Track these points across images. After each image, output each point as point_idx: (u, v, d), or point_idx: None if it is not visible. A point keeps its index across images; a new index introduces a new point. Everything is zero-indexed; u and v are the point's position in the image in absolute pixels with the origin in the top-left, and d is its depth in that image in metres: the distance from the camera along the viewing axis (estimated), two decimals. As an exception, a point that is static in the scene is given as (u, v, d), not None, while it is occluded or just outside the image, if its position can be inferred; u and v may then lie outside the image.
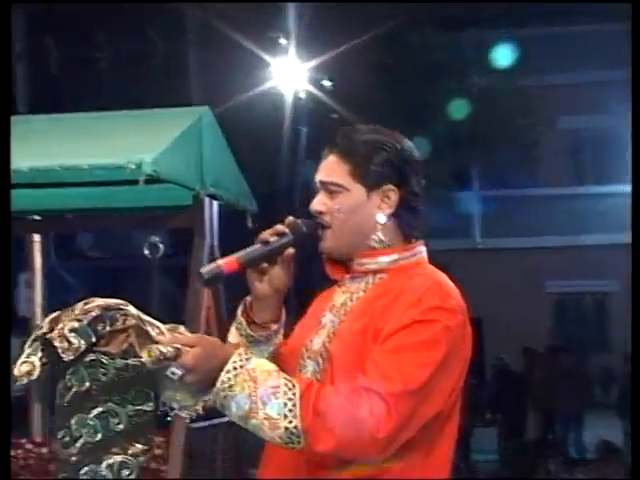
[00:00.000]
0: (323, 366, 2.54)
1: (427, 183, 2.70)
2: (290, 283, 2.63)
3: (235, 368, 2.36)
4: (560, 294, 22.08)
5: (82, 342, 2.29)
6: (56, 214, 5.74)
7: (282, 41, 12.93)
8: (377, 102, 13.19)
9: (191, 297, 5.24)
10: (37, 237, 6.22)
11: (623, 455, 11.24)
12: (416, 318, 2.44)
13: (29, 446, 5.61)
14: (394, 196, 2.60)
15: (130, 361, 2.31)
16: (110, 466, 2.34)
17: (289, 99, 13.31)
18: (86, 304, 2.36)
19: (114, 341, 2.32)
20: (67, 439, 2.34)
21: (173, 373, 2.31)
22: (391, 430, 2.35)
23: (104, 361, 2.31)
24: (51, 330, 2.33)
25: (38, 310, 6.31)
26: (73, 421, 2.33)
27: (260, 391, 2.35)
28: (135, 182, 4.70)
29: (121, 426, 2.34)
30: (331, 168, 2.63)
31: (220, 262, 2.54)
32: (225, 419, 2.97)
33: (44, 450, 5.65)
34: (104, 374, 2.31)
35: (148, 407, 2.37)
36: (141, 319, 2.37)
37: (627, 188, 19.03)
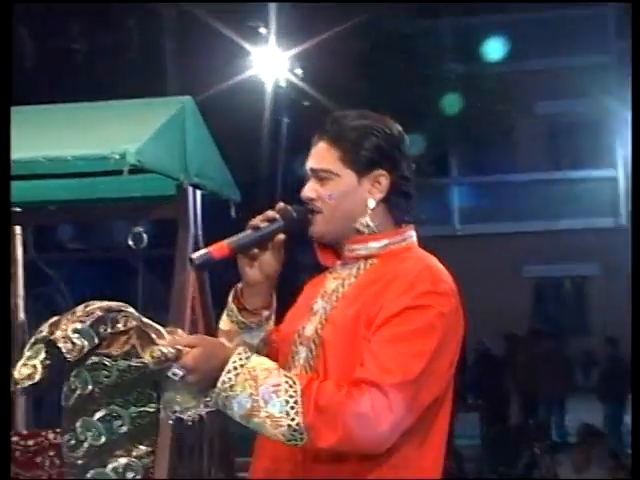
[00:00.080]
0: (316, 352, 2.54)
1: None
2: (280, 269, 2.63)
3: (235, 368, 2.37)
4: (539, 278, 22.20)
5: (85, 343, 2.30)
6: (38, 206, 5.71)
7: (262, 30, 12.90)
8: (356, 90, 13.21)
9: (176, 287, 5.24)
10: (18, 229, 6.19)
11: (605, 438, 11.33)
12: (409, 304, 2.45)
13: (15, 438, 5.59)
14: (385, 181, 2.60)
15: (132, 362, 2.31)
16: (115, 469, 2.34)
17: (269, 88, 13.30)
18: (87, 306, 2.36)
19: (116, 343, 2.32)
20: (73, 442, 2.35)
21: (174, 374, 2.32)
22: (392, 422, 2.37)
23: (106, 363, 2.31)
24: (52, 333, 2.33)
25: (20, 302, 6.29)
26: (78, 424, 2.33)
27: (261, 390, 2.36)
28: (119, 173, 4.68)
29: (124, 428, 2.34)
30: (321, 155, 2.63)
31: (211, 248, 2.55)
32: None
33: (30, 442, 5.63)
34: (107, 376, 2.32)
35: (151, 408, 2.37)
36: (141, 321, 2.37)
37: (604, 172, 19.16)
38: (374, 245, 2.62)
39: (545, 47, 19.37)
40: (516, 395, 14.78)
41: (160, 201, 5.49)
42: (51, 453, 5.56)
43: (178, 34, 14.69)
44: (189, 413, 2.39)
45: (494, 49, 17.16)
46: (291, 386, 2.37)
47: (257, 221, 2.58)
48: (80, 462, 2.34)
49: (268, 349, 2.68)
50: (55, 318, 2.37)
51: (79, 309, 2.35)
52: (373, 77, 14.67)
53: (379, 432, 2.36)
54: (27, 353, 2.33)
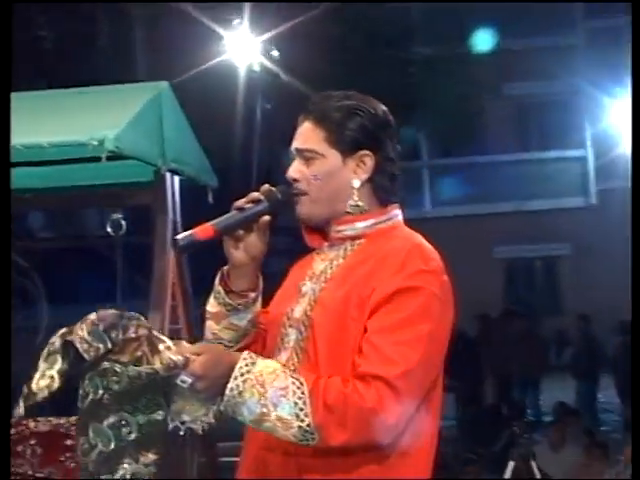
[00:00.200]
0: (306, 334, 2.55)
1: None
2: (266, 250, 2.63)
3: (242, 374, 2.39)
4: (510, 259, 22.30)
5: (100, 345, 2.32)
6: (15, 194, 5.67)
7: (235, 20, 12.83)
8: (326, 73, 13.17)
9: (156, 273, 5.23)
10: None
11: (580, 416, 11.42)
12: (401, 285, 2.46)
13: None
14: (370, 161, 2.61)
15: (142, 369, 2.32)
16: (123, 476, 2.35)
17: (242, 72, 13.25)
18: (98, 313, 2.38)
19: (127, 349, 2.34)
20: (86, 446, 2.36)
21: (183, 381, 2.34)
22: (400, 413, 2.40)
23: (117, 369, 2.32)
24: (65, 339, 2.35)
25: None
26: (90, 430, 2.35)
27: (269, 394, 2.37)
28: (96, 159, 4.66)
29: (133, 436, 2.35)
30: (306, 135, 2.63)
31: (195, 229, 2.54)
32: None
33: (11, 431, 5.60)
34: (117, 382, 2.32)
35: (159, 416, 2.38)
36: (151, 330, 2.40)
37: (573, 152, 19.18)
38: (361, 225, 2.62)
39: (512, 28, 19.38)
40: (491, 376, 14.85)
41: (137, 187, 5.48)
42: (32, 442, 5.53)
43: (148, 20, 14.61)
44: (199, 422, 2.41)
45: (462, 32, 17.17)
46: (299, 387, 2.38)
47: (242, 202, 2.58)
48: (91, 468, 2.36)
49: (256, 331, 2.69)
50: (64, 329, 2.38)
51: (91, 316, 2.37)
52: (341, 60, 14.66)
53: (388, 424, 2.39)
54: (42, 365, 2.35)
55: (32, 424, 5.55)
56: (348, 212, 2.62)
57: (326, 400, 2.36)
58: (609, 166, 20.42)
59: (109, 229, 5.25)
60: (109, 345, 2.33)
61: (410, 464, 2.51)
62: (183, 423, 2.41)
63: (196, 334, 5.43)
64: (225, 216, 2.58)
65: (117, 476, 2.35)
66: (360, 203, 2.61)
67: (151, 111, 5.11)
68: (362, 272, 2.54)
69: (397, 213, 2.68)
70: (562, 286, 22.40)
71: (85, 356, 2.31)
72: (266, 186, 2.62)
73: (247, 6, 12.38)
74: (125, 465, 2.36)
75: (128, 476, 2.35)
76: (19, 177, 5.52)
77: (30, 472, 5.43)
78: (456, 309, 2.59)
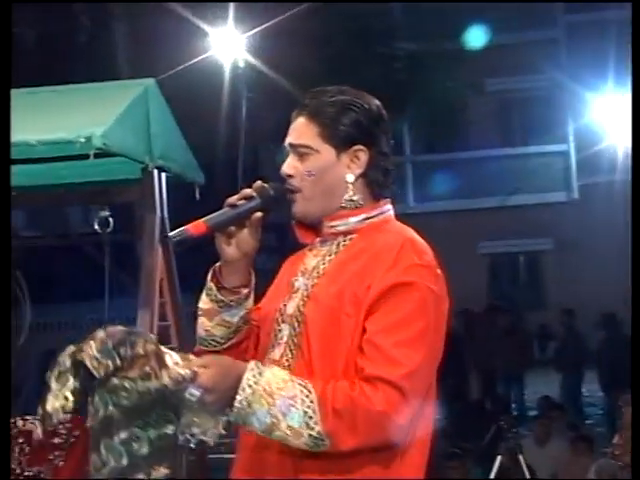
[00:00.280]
0: (299, 329, 2.55)
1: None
2: (258, 247, 2.63)
3: (250, 386, 2.39)
4: (494, 254, 22.34)
5: (110, 362, 2.33)
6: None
7: (220, 15, 12.80)
8: (310, 69, 13.18)
9: (144, 270, 5.22)
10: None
11: (565, 410, 11.46)
12: (397, 280, 2.47)
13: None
14: (364, 156, 2.61)
15: (151, 384, 2.33)
16: None
17: (226, 69, 13.22)
18: (106, 330, 2.39)
19: (135, 365, 2.34)
20: (98, 463, 2.37)
21: (192, 394, 2.35)
22: (408, 413, 2.41)
23: (126, 385, 2.33)
24: (75, 357, 2.36)
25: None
26: (102, 446, 2.36)
27: (278, 403, 2.38)
28: (84, 157, 4.65)
29: (144, 450, 2.36)
30: (300, 130, 2.63)
31: (188, 225, 2.54)
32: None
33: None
34: (127, 398, 2.33)
35: (169, 430, 2.39)
36: (158, 346, 2.41)
37: (555, 147, 19.18)
38: (353, 220, 2.62)
39: (493, 24, 19.41)
40: (475, 371, 14.88)
41: (124, 185, 5.46)
42: (20, 440, 5.51)
43: (130, 17, 14.56)
44: (209, 434, 2.41)
45: (444, 28, 17.17)
46: (307, 396, 2.39)
47: (234, 199, 2.57)
48: None
49: (248, 327, 2.68)
50: (72, 348, 2.39)
51: (99, 333, 2.38)
52: (327, 58, 14.67)
53: (397, 426, 2.41)
54: (54, 386, 2.35)
55: (20, 422, 5.53)
56: (342, 207, 2.62)
57: (335, 405, 2.37)
58: (591, 161, 20.48)
59: (96, 226, 5.23)
60: (118, 362, 2.34)
61: (407, 463, 2.52)
62: (193, 435, 2.41)
63: (185, 331, 5.44)
64: (217, 212, 2.57)
65: None
66: (355, 197, 2.61)
67: (138, 108, 5.10)
68: (355, 268, 2.54)
69: (389, 208, 2.69)
70: (545, 281, 22.47)
71: (95, 374, 2.32)
72: (258, 183, 2.62)
73: (232, 3, 12.35)
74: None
75: None
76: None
77: (18, 471, 5.42)
78: (450, 302, 2.60)
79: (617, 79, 18.62)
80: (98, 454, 2.37)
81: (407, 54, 17.15)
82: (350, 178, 2.61)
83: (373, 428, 2.38)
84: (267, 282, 2.81)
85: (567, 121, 22.06)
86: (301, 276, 2.65)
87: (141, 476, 2.36)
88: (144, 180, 5.27)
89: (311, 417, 2.37)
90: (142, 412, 2.35)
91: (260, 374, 2.41)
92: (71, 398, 2.34)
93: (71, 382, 2.34)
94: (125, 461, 2.35)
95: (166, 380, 2.33)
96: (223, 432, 2.42)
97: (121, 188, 5.48)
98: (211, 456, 5.81)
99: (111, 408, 2.34)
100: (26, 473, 5.41)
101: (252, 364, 2.44)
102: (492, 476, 7.19)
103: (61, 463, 5.32)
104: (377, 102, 2.68)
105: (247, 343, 2.69)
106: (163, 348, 2.42)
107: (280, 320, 2.62)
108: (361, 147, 2.61)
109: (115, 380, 2.33)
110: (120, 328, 2.41)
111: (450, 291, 2.61)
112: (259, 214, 2.58)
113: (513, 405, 14.26)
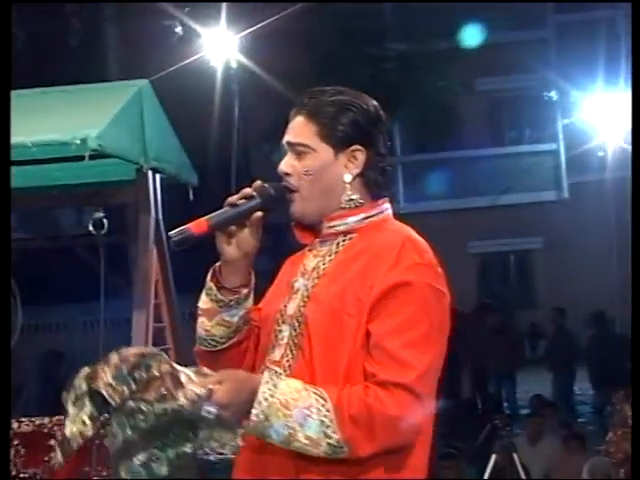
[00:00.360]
0: (300, 330, 2.55)
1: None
2: (258, 247, 2.63)
3: (266, 399, 2.40)
4: (484, 254, 22.37)
5: (125, 388, 2.33)
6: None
7: (213, 16, 12.79)
8: (302, 70, 13.19)
9: (139, 271, 5.21)
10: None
11: (557, 408, 11.49)
12: (399, 280, 2.48)
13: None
14: (361, 156, 2.62)
15: (168, 405, 2.33)
16: None
17: (219, 70, 13.21)
18: (120, 354, 2.39)
19: (151, 388, 2.34)
20: None
21: (209, 412, 2.35)
22: (423, 413, 2.44)
23: (143, 408, 2.33)
24: (91, 385, 2.36)
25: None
26: (122, 469, 2.36)
27: (295, 415, 2.39)
28: (79, 158, 4.64)
29: (164, 470, 2.36)
30: (298, 129, 2.63)
31: (189, 224, 2.53)
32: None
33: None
34: (144, 420, 2.33)
35: (188, 449, 2.39)
36: (172, 366, 2.40)
37: (545, 146, 19.22)
38: (352, 220, 2.63)
39: (484, 24, 19.44)
40: (467, 370, 14.90)
41: (118, 186, 5.46)
42: (15, 442, 5.52)
43: (121, 18, 14.53)
44: (227, 447, 2.41)
45: (435, 28, 17.18)
46: (323, 405, 2.40)
47: (235, 198, 2.57)
48: None
49: (248, 328, 2.68)
50: (87, 370, 2.39)
51: (113, 357, 2.38)
52: (318, 58, 14.67)
53: (413, 428, 2.44)
54: (71, 410, 2.36)
55: (15, 425, 5.53)
56: (342, 207, 2.62)
57: (351, 413, 2.38)
58: (581, 159, 20.53)
59: (91, 228, 5.22)
60: (133, 386, 2.34)
61: (410, 464, 2.53)
62: (212, 450, 2.41)
63: (180, 332, 5.44)
64: (218, 211, 2.57)
65: None
66: (354, 197, 2.62)
67: (132, 109, 5.10)
68: (356, 268, 2.55)
69: (387, 207, 2.70)
70: (535, 279, 22.51)
71: (111, 402, 2.32)
72: (258, 182, 2.62)
73: (224, 4, 12.33)
74: None
75: None
76: None
77: (14, 472, 5.42)
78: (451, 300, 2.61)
79: (606, 78, 18.67)
80: (119, 477, 2.37)
81: (398, 55, 17.16)
82: (348, 178, 2.61)
83: (390, 432, 2.39)
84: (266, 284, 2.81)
85: (557, 120, 22.09)
86: (301, 277, 2.65)
87: None
88: (139, 181, 5.27)
89: (328, 426, 2.38)
90: (160, 433, 2.35)
91: (275, 386, 2.42)
92: (89, 423, 2.34)
93: (88, 407, 2.35)
94: None
95: (182, 400, 2.32)
96: (241, 444, 2.42)
97: (116, 189, 5.48)
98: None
99: (129, 431, 2.34)
100: (22, 475, 5.42)
101: (266, 376, 2.45)
102: (487, 475, 7.21)
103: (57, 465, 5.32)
104: (375, 103, 2.69)
105: (247, 343, 2.69)
106: (176, 366, 2.41)
107: (280, 321, 2.62)
108: (359, 147, 2.61)
109: (131, 403, 2.33)
110: (133, 351, 2.40)
111: (446, 290, 2.62)
112: (259, 214, 2.58)
113: (505, 404, 14.28)
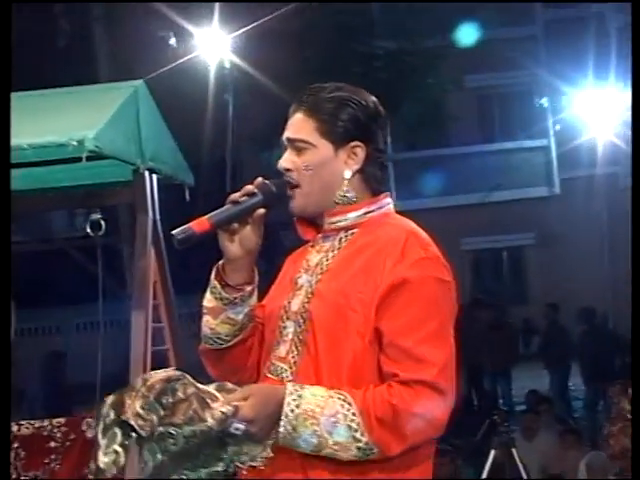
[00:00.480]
0: (304, 326, 2.56)
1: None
2: (261, 244, 2.63)
3: (292, 410, 2.42)
4: (477, 250, 22.39)
5: (154, 416, 2.33)
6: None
7: (205, 15, 12.78)
8: (294, 69, 13.19)
9: (137, 272, 5.20)
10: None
11: (552, 404, 11.52)
12: (406, 275, 2.48)
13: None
14: (361, 152, 2.63)
15: (196, 427, 2.33)
16: None
17: (212, 70, 13.20)
18: (146, 381, 2.39)
19: (178, 411, 2.34)
20: None
21: (237, 429, 2.36)
22: (446, 408, 2.46)
23: (172, 432, 2.33)
24: (119, 414, 2.36)
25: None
26: None
27: (322, 423, 2.41)
28: (75, 160, 4.63)
29: None
30: (298, 125, 2.64)
31: (191, 223, 2.54)
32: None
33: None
34: (174, 444, 2.34)
35: (220, 467, 2.40)
36: (197, 387, 2.40)
37: (536, 142, 19.31)
38: (353, 215, 2.64)
39: (472, 20, 19.46)
40: (462, 367, 14.87)
41: (115, 187, 5.45)
42: (15, 445, 5.51)
43: (111, 18, 14.50)
44: (258, 459, 2.43)
45: (423, 26, 17.19)
46: (348, 410, 2.41)
47: (236, 196, 2.58)
48: None
49: (253, 325, 2.69)
50: (113, 398, 2.39)
51: (139, 384, 2.38)
52: (311, 57, 14.69)
53: (439, 422, 2.46)
54: (102, 441, 2.36)
55: (15, 427, 5.52)
56: (339, 202, 2.63)
57: (378, 415, 2.40)
58: (572, 155, 20.56)
59: (88, 229, 5.21)
60: (162, 413, 2.34)
61: (417, 463, 2.54)
62: (243, 463, 2.43)
63: (179, 332, 5.43)
64: (220, 209, 2.58)
65: None
66: (348, 194, 2.63)
67: (128, 110, 5.08)
68: (360, 263, 2.55)
69: (388, 201, 2.70)
70: (528, 275, 22.54)
71: (142, 433, 2.33)
72: (260, 179, 2.63)
73: (217, 4, 12.32)
74: None
75: None
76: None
77: (14, 476, 5.41)
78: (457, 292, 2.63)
79: (596, 74, 18.72)
80: None
81: (388, 52, 17.16)
82: (347, 174, 2.62)
83: (417, 430, 2.42)
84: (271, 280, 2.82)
85: (547, 116, 22.13)
86: (304, 273, 2.65)
87: None
88: (135, 182, 5.24)
89: (356, 430, 2.40)
90: (190, 455, 2.36)
91: (300, 397, 2.43)
92: (121, 451, 2.35)
93: (119, 437, 2.35)
94: None
95: (210, 421, 2.33)
96: (271, 454, 2.43)
97: (112, 191, 5.46)
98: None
99: (159, 456, 2.35)
100: (22, 478, 5.41)
101: (290, 387, 2.46)
102: (486, 471, 7.22)
103: (57, 467, 5.32)
104: (374, 99, 2.71)
105: (252, 341, 2.70)
106: (200, 386, 2.41)
107: (285, 317, 2.62)
108: (358, 143, 2.62)
109: (161, 428, 2.33)
110: (158, 376, 2.39)
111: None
112: (262, 211, 2.58)
113: (501, 400, 14.30)
